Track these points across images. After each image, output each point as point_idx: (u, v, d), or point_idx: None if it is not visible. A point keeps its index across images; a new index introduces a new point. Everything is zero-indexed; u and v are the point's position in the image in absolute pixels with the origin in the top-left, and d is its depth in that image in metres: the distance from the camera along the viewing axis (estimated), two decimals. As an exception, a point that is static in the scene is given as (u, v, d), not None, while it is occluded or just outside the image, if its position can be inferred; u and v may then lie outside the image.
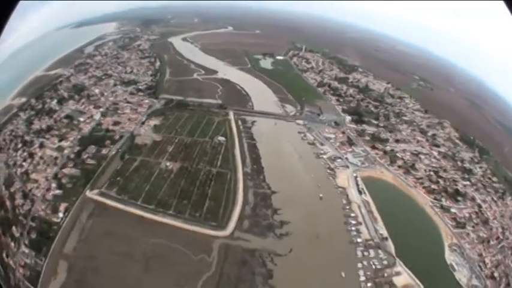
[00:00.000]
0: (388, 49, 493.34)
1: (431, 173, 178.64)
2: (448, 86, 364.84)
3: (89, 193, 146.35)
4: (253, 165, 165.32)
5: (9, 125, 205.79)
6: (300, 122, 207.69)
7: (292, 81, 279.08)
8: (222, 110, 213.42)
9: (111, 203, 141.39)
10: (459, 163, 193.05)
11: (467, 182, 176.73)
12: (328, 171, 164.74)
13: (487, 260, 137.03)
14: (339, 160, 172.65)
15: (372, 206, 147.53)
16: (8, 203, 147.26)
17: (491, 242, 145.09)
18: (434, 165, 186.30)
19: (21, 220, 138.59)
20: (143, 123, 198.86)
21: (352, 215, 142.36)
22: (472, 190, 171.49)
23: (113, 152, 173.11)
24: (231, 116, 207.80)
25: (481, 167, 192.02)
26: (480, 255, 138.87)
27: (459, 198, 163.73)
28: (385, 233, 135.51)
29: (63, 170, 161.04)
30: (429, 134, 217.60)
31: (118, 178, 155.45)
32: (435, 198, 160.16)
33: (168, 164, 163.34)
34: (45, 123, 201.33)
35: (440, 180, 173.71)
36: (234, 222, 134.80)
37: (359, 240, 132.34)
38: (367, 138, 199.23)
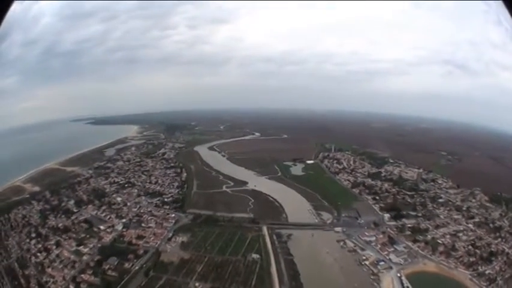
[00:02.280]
0: (412, 131, 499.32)
1: (470, 246, 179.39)
2: (472, 150, 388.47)
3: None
4: (292, 282, 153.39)
5: (21, 209, 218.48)
6: (339, 229, 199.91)
7: (325, 186, 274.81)
8: (254, 225, 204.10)
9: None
10: (491, 225, 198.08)
11: (499, 240, 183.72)
12: (372, 277, 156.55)
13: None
14: (382, 263, 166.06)
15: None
16: (22, 281, 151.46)
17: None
18: (471, 238, 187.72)
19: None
20: (170, 239, 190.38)
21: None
22: (502, 243, 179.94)
23: (137, 267, 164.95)
24: (265, 230, 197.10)
25: (507, 218, 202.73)
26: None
27: (492, 258, 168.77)
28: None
29: (82, 276, 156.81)
30: (464, 208, 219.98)
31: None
32: (473, 270, 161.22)
33: (197, 284, 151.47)
34: (61, 223, 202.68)
35: (477, 250, 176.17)
36: None
37: None
38: (408, 232, 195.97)
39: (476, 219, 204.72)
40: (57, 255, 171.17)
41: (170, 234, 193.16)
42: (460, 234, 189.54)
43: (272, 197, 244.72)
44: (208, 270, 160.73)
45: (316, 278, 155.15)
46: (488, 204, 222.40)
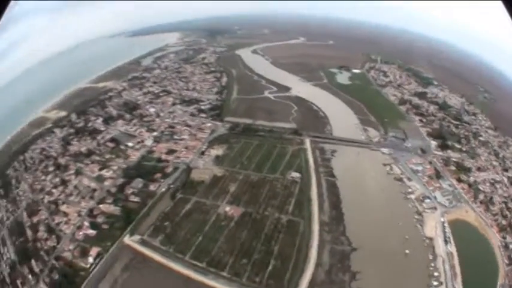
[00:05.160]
0: (447, 58, 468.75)
1: (503, 205, 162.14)
2: (505, 95, 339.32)
3: (128, 239, 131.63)
4: (332, 211, 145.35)
5: (41, 142, 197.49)
6: (385, 150, 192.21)
7: (372, 98, 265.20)
8: (296, 137, 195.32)
9: (154, 255, 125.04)
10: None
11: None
12: (416, 216, 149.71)
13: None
14: (427, 201, 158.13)
15: (455, 259, 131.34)
16: (29, 232, 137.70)
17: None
18: (505, 195, 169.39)
19: (42, 256, 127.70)
20: (203, 153, 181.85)
21: (436, 274, 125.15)
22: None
23: (163, 189, 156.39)
24: (307, 144, 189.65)
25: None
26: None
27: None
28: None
29: (100, 206, 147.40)
30: (500, 156, 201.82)
31: (165, 223, 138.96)
32: (503, 237, 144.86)
33: (228, 209, 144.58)
34: (85, 146, 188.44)
35: (508, 213, 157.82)
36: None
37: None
38: (453, 168, 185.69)
39: (510, 174, 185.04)
40: (75, 187, 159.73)
41: (204, 147, 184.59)
42: (498, 186, 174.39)
43: (316, 106, 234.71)
44: (242, 191, 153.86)
45: (359, 209, 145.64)
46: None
